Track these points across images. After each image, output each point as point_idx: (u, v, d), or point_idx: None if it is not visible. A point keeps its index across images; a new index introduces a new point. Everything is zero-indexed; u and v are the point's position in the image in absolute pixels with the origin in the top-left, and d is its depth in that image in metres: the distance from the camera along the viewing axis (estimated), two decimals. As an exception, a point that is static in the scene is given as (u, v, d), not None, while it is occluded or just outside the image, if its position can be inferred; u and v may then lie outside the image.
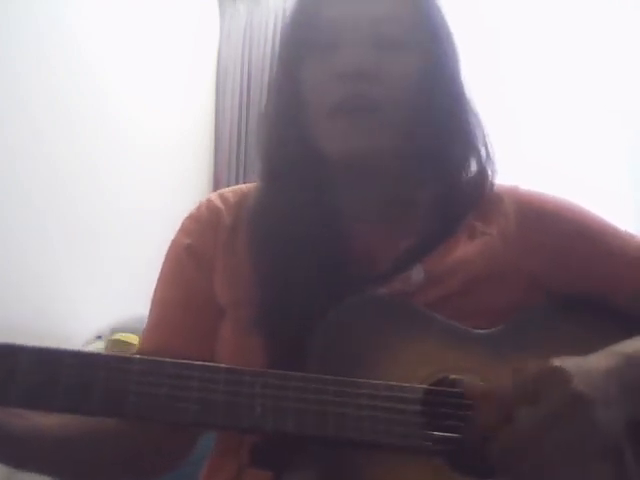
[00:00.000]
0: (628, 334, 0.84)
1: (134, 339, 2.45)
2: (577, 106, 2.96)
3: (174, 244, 0.98)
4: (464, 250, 0.90)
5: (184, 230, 0.98)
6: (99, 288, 2.62)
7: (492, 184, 0.95)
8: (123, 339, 2.46)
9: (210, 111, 3.41)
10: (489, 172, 0.95)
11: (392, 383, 0.76)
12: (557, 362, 0.72)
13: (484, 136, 0.95)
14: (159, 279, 0.98)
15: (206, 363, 0.74)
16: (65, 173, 2.55)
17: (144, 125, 2.96)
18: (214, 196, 1.00)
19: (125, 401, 0.68)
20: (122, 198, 2.79)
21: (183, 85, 3.24)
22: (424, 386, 0.77)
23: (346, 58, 0.87)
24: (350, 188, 0.93)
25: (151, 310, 0.97)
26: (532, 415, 0.69)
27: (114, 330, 2.53)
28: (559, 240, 0.92)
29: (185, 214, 1.01)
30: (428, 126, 0.90)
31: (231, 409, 0.70)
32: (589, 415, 0.69)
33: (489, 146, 0.95)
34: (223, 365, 0.73)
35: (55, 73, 2.53)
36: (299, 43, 0.93)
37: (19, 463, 0.83)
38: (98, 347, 2.45)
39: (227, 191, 1.01)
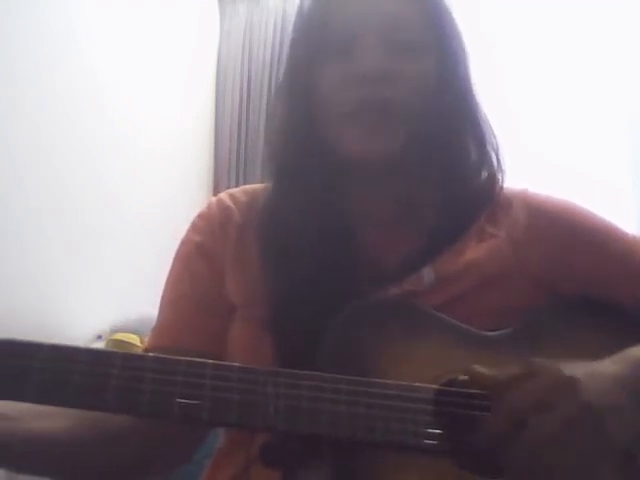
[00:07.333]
0: (633, 336, 0.85)
1: (134, 339, 2.45)
2: (580, 105, 2.98)
3: (184, 242, 0.98)
4: (474, 252, 0.90)
5: (195, 228, 0.97)
6: (99, 288, 2.62)
7: (501, 187, 0.95)
8: (123, 339, 2.47)
9: (210, 111, 3.42)
10: (499, 175, 0.95)
11: (403, 383, 0.76)
12: (569, 371, 0.73)
13: (494, 138, 0.95)
14: (169, 277, 0.97)
15: (219, 362, 0.74)
16: (64, 173, 2.55)
17: (144, 125, 2.96)
18: (224, 195, 1.00)
19: (139, 399, 0.68)
20: (122, 198, 2.79)
21: (183, 85, 3.25)
22: (435, 386, 0.77)
23: (365, 60, 0.87)
24: (362, 189, 0.93)
25: (161, 308, 0.96)
26: (548, 423, 0.70)
27: (114, 330, 2.53)
28: (566, 244, 0.92)
29: (185, 214, 1.00)
30: (441, 128, 0.91)
31: (245, 408, 0.70)
32: (599, 426, 0.71)
33: (499, 148, 0.95)
34: (236, 364, 0.73)
35: (55, 73, 2.53)
36: (313, 43, 0.92)
37: (27, 470, 0.83)
38: (98, 347, 2.44)
39: (237, 191, 1.01)
